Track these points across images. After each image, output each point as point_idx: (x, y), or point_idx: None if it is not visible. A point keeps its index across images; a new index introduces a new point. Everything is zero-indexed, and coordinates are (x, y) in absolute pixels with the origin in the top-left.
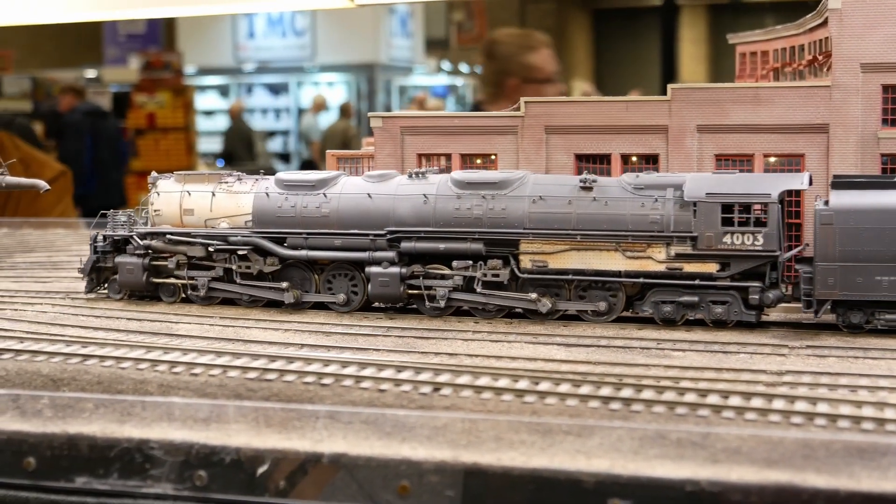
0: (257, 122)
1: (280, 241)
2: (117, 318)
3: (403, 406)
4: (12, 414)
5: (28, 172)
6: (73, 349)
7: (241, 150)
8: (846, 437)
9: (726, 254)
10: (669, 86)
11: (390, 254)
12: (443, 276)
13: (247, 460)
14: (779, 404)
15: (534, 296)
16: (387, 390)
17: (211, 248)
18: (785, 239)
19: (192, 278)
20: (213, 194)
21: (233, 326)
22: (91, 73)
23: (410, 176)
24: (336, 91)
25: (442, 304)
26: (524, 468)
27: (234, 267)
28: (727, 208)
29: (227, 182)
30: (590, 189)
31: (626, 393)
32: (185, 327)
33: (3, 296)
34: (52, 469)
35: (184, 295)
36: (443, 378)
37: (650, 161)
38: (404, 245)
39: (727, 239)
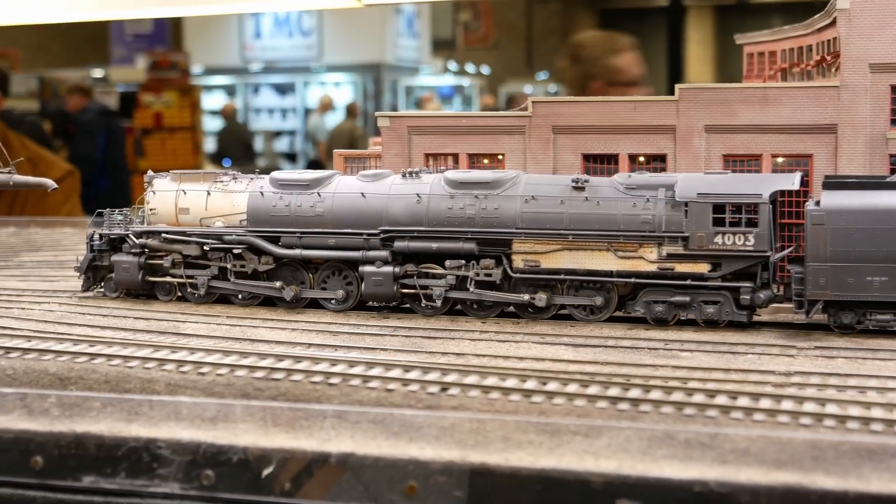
0: (263, 122)
1: (275, 240)
2: (124, 317)
3: (411, 406)
4: (20, 413)
5: (35, 172)
6: (81, 348)
7: (236, 150)
8: (855, 438)
9: (717, 254)
10: (677, 86)
11: (384, 253)
12: (435, 276)
13: (254, 460)
14: (788, 405)
15: (526, 297)
16: (394, 390)
17: (206, 247)
18: (778, 239)
19: (189, 277)
20: (209, 193)
21: (240, 326)
22: (98, 73)
23: (404, 175)
24: (342, 91)
25: (438, 303)
26: (532, 468)
27: (229, 266)
28: (718, 208)
29: (222, 181)
30: (582, 189)
31: (635, 393)
32: (193, 327)
33: (10, 295)
34: (59, 468)
35: (179, 293)
36: (450, 378)
37: (658, 161)
38: (397, 244)
39: (718, 239)
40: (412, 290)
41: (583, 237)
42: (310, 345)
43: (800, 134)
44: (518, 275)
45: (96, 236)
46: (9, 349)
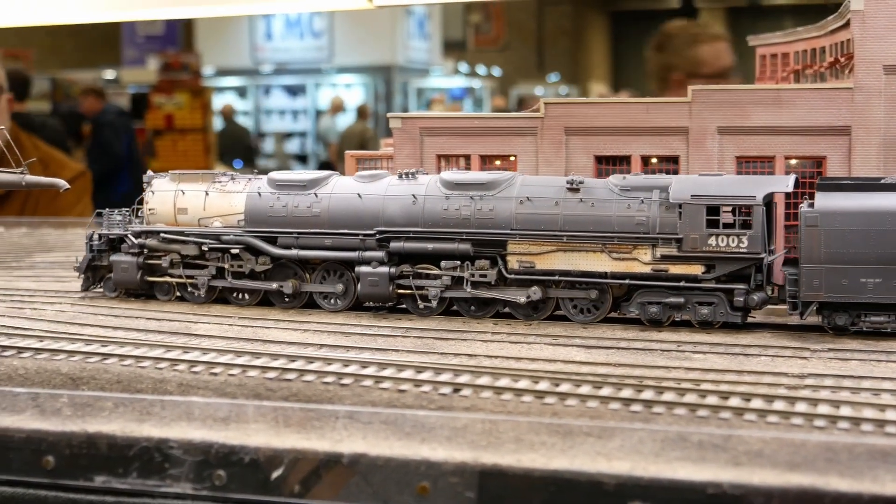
0: (275, 124)
1: (272, 240)
2: (136, 317)
3: (423, 407)
4: (32, 412)
5: (47, 172)
6: (93, 348)
7: (236, 151)
8: (870, 440)
9: (711, 256)
10: (690, 87)
11: (380, 253)
12: (431, 276)
13: (266, 460)
14: (801, 407)
15: (523, 299)
16: (406, 391)
17: (204, 247)
18: (777, 241)
19: (188, 277)
20: (207, 193)
21: (252, 326)
22: (110, 74)
23: (400, 176)
24: (353, 93)
25: (434, 304)
26: (544, 470)
27: (226, 266)
28: (712, 210)
29: (220, 181)
30: (576, 190)
31: (647, 395)
32: (204, 327)
33: (22, 295)
34: (71, 468)
35: (178, 294)
36: (463, 379)
37: (671, 162)
38: (393, 245)
39: (712, 241)
40: (408, 291)
41: (577, 238)
42: (322, 345)
43: (813, 136)
44: (513, 276)
45: (95, 236)
46: (21, 349)
